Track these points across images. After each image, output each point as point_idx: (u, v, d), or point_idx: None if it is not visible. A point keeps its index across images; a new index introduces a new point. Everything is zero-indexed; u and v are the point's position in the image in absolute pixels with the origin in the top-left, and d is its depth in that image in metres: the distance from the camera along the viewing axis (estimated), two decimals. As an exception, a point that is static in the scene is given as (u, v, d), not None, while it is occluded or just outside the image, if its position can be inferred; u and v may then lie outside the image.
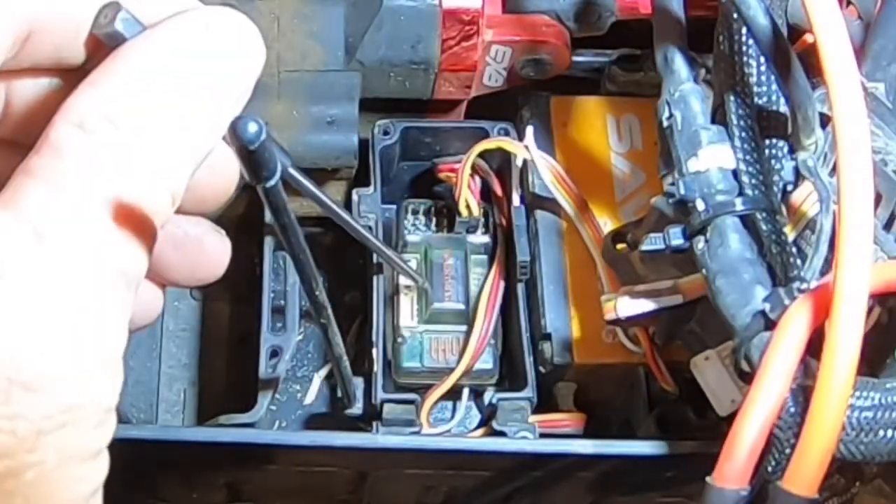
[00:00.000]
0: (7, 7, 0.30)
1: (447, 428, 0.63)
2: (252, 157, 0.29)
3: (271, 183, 0.32)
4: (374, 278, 0.64)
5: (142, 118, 0.29)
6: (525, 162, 0.64)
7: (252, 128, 0.28)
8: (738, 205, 0.46)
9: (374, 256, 0.64)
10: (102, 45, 0.31)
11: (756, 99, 0.48)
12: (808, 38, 0.50)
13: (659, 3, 0.52)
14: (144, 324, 0.38)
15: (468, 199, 0.66)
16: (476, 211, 0.66)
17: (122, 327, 0.29)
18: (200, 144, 0.31)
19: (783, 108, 0.48)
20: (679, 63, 0.51)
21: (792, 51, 0.48)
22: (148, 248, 0.30)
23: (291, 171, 0.42)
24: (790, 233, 0.47)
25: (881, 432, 0.40)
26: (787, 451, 0.39)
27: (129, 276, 0.30)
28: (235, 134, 0.28)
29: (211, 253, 0.38)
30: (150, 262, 0.31)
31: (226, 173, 0.37)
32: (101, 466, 0.30)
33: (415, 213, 0.67)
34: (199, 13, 0.31)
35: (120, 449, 0.54)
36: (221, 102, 0.31)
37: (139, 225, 0.29)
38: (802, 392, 0.40)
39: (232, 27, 0.32)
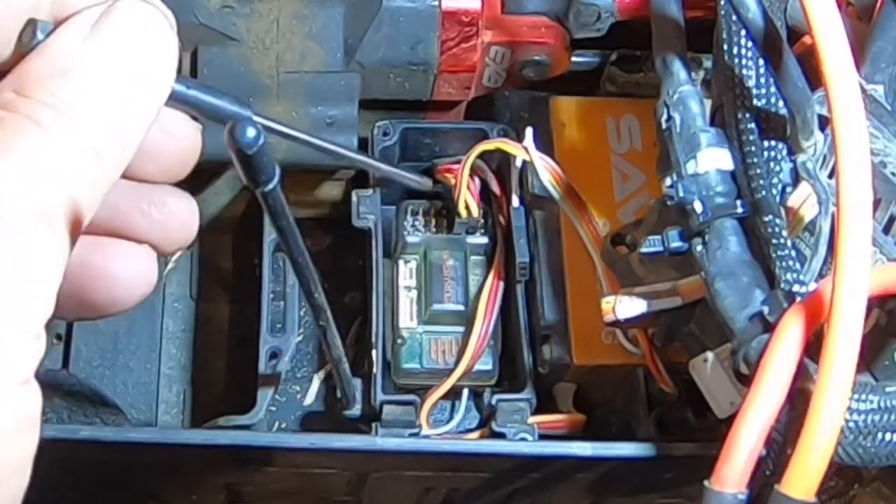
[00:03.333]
0: None
1: (446, 429, 0.63)
2: (250, 162, 0.30)
3: (269, 187, 0.32)
4: (374, 279, 0.64)
5: (52, 89, 0.30)
6: (524, 163, 0.64)
7: (250, 133, 0.28)
8: (738, 207, 0.46)
9: (374, 257, 0.64)
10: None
11: (755, 101, 0.48)
12: (807, 39, 0.50)
13: (657, 5, 0.52)
14: (142, 292, 0.38)
15: (468, 199, 0.66)
16: (475, 212, 0.66)
17: (47, 301, 0.29)
18: (123, 131, 0.31)
19: (782, 111, 0.48)
20: (678, 65, 0.50)
21: (790, 53, 0.48)
22: (68, 203, 0.30)
23: (257, 119, 0.41)
24: (789, 235, 0.47)
25: (880, 435, 0.40)
26: (786, 454, 0.39)
27: (48, 221, 0.29)
28: (233, 138, 0.28)
29: (177, 214, 0.38)
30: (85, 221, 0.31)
31: (186, 138, 0.37)
32: (27, 397, 0.29)
33: (414, 213, 0.67)
34: (112, 7, 0.32)
35: (119, 451, 0.54)
36: (136, 91, 0.32)
37: (51, 186, 0.29)
38: (801, 395, 0.40)
39: (141, 16, 0.32)
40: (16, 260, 0.28)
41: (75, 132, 0.30)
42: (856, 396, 0.39)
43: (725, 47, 0.49)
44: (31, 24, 0.32)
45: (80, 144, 0.30)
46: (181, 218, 0.39)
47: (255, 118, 0.39)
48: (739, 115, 0.48)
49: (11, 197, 0.28)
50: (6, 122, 0.29)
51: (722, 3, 0.50)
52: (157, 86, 0.33)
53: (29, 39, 0.32)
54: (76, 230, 0.30)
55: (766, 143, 0.48)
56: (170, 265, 0.73)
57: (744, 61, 0.48)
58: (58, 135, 0.30)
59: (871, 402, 0.40)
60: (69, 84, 0.30)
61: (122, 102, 0.31)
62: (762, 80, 0.48)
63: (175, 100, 0.34)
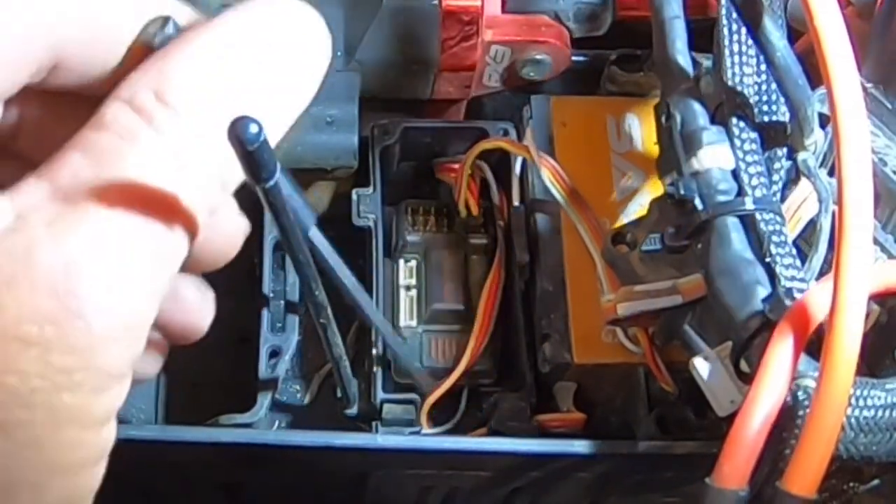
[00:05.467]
0: (36, 36, 0.30)
1: (447, 428, 0.63)
2: (251, 158, 0.29)
3: (270, 184, 0.32)
4: (374, 278, 0.64)
5: (193, 101, 0.29)
6: (525, 162, 0.64)
7: (253, 128, 0.28)
8: (748, 204, 0.46)
9: (374, 256, 0.64)
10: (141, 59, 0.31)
11: (755, 99, 0.48)
12: (809, 38, 0.50)
13: (658, 3, 0.52)
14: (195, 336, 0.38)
15: (468, 199, 0.66)
16: (476, 211, 0.66)
17: (148, 301, 0.29)
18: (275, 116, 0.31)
19: (783, 109, 0.48)
20: (679, 64, 0.51)
21: (791, 51, 0.48)
22: (186, 232, 0.29)
23: (314, 233, 0.41)
24: (790, 233, 0.47)
25: (881, 432, 0.40)
26: (787, 451, 0.39)
27: (161, 257, 0.29)
28: (235, 134, 0.28)
29: (191, 306, 0.38)
30: (192, 248, 0.30)
31: (229, 232, 0.36)
32: (102, 436, 0.29)
33: (415, 213, 0.67)
34: (257, 3, 0.31)
35: (119, 449, 0.54)
36: (282, 95, 0.31)
37: (177, 207, 0.29)
38: (802, 392, 0.40)
39: (297, 17, 0.31)
40: (114, 299, 0.27)
41: (201, 153, 0.29)
42: (857, 393, 0.39)
43: (725, 46, 0.49)
44: (162, 18, 0.30)
45: (209, 172, 0.29)
46: (193, 312, 0.38)
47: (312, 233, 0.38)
48: (739, 113, 0.48)
49: (118, 236, 0.28)
50: (140, 136, 0.28)
51: (722, 2, 0.50)
52: (300, 101, 0.31)
53: (155, 33, 0.30)
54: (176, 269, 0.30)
55: (766, 141, 0.48)
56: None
57: (744, 59, 0.48)
58: (183, 158, 0.29)
59: (872, 399, 0.40)
60: (212, 97, 0.29)
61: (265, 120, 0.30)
62: (762, 78, 0.48)
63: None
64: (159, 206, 0.28)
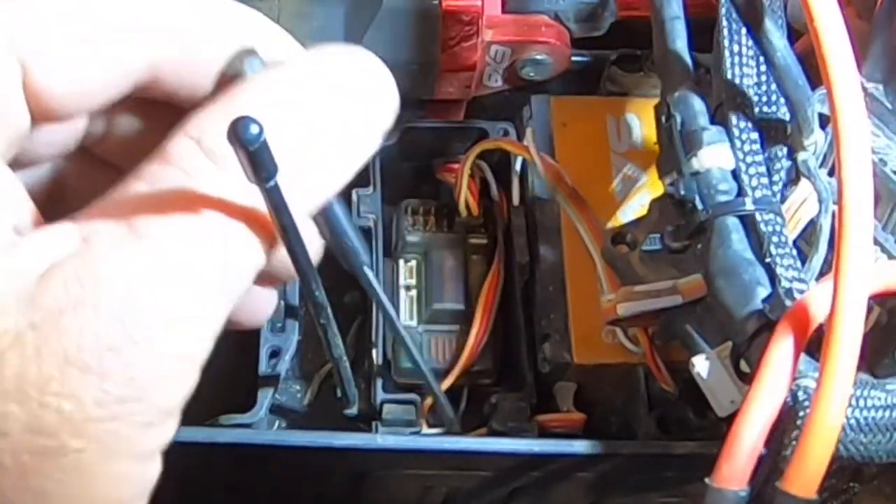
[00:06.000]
0: (139, 52, 0.30)
1: (447, 428, 0.63)
2: (252, 158, 0.29)
3: (271, 183, 0.32)
4: (374, 278, 0.64)
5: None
6: (525, 162, 0.65)
7: (254, 128, 0.28)
8: (749, 204, 0.46)
9: (374, 257, 0.64)
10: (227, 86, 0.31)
11: (755, 99, 0.48)
12: (809, 38, 0.50)
13: (658, 3, 0.52)
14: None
15: (468, 199, 0.66)
16: (476, 211, 0.66)
17: (205, 334, 0.28)
18: (319, 186, 0.30)
19: (782, 109, 0.48)
20: (679, 63, 0.51)
21: (791, 51, 0.48)
22: (248, 266, 0.29)
23: (366, 270, 0.40)
24: (790, 233, 0.47)
25: (881, 432, 0.40)
26: (787, 451, 0.39)
27: (225, 288, 0.29)
28: (236, 134, 0.28)
29: (258, 298, 0.38)
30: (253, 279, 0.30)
31: (261, 305, 0.37)
32: (148, 471, 0.29)
33: (415, 213, 0.67)
34: (334, 51, 0.31)
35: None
36: (346, 144, 0.31)
37: (240, 243, 0.29)
38: (802, 392, 0.40)
39: (367, 68, 0.32)
40: (172, 335, 0.27)
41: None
42: (857, 394, 0.39)
43: (725, 46, 0.49)
44: (250, 51, 0.30)
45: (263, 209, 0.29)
46: (262, 301, 0.38)
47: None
48: (739, 113, 0.48)
49: (182, 267, 0.27)
50: (205, 173, 0.28)
51: (722, 2, 0.50)
52: (364, 154, 0.31)
53: (242, 66, 0.30)
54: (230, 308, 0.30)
55: (766, 142, 0.48)
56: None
57: (744, 59, 0.48)
58: (242, 198, 0.29)
59: (873, 399, 0.40)
60: (281, 140, 0.29)
61: (325, 167, 0.30)
62: (762, 78, 0.48)
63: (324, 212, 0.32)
64: (219, 241, 0.28)
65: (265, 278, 0.34)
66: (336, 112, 0.30)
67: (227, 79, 0.31)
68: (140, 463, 0.28)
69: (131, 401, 0.27)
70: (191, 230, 0.28)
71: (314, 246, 0.35)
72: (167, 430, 0.29)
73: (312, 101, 0.30)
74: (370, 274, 0.37)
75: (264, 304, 0.38)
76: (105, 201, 0.28)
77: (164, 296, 0.27)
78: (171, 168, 0.28)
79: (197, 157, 0.28)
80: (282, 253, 0.32)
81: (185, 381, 0.28)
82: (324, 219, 0.34)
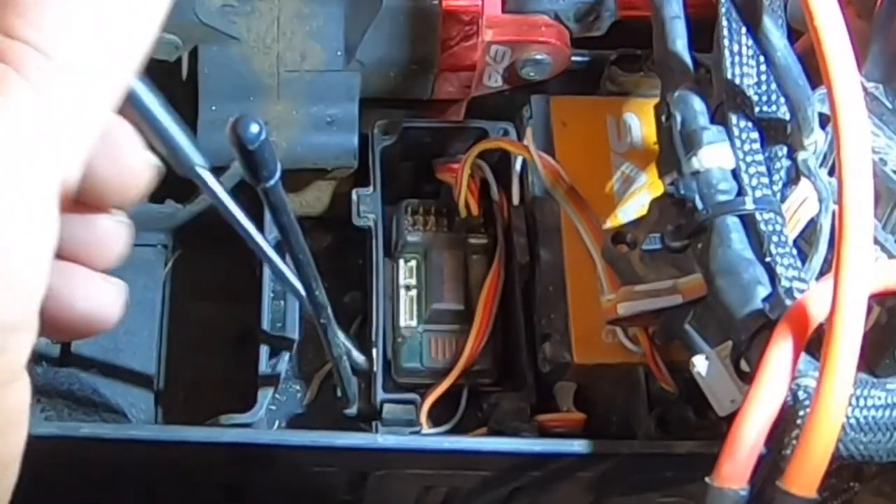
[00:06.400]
0: None
1: (447, 428, 0.63)
2: (252, 157, 0.30)
3: (271, 183, 0.32)
4: (374, 278, 0.64)
5: (43, 28, 0.26)
6: (525, 162, 0.65)
7: (254, 128, 0.28)
8: (749, 204, 0.46)
9: (375, 256, 0.64)
10: None
11: (755, 98, 0.48)
12: (809, 38, 0.50)
13: (658, 3, 0.52)
14: (107, 263, 0.34)
15: (468, 199, 0.66)
16: (476, 211, 0.66)
17: (24, 249, 0.26)
18: (122, 65, 0.28)
19: (782, 108, 0.48)
20: (679, 63, 0.51)
21: (791, 50, 0.48)
22: (58, 165, 0.27)
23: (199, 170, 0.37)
24: (790, 233, 0.47)
25: (881, 432, 0.40)
26: (787, 451, 0.39)
27: (37, 195, 0.26)
28: (236, 133, 0.28)
29: (107, 234, 0.34)
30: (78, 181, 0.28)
31: (131, 168, 0.32)
32: (12, 396, 0.27)
33: (415, 213, 0.67)
34: None
35: (120, 448, 0.54)
36: (136, 15, 0.28)
37: (47, 143, 0.26)
38: (802, 392, 0.40)
39: None
40: (5, 245, 0.25)
41: (68, 84, 0.26)
42: (857, 393, 0.39)
43: (726, 46, 0.49)
44: None
45: (73, 102, 0.27)
46: (110, 237, 0.34)
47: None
48: (740, 113, 0.48)
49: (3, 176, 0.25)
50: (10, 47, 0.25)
51: (722, 2, 0.50)
52: (152, 21, 0.28)
53: None
54: (64, 206, 0.27)
55: (766, 141, 0.48)
56: (169, 264, 0.73)
57: (744, 59, 0.48)
58: (50, 94, 0.26)
59: (873, 398, 0.40)
60: (62, 20, 0.26)
61: (116, 43, 0.27)
62: (762, 78, 0.48)
63: (133, 105, 0.30)
64: (28, 142, 0.26)
65: (95, 201, 0.32)
66: None
67: None
68: (7, 387, 0.26)
69: None
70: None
71: (138, 160, 0.32)
72: (17, 348, 0.26)
73: None
74: (206, 175, 0.33)
75: (111, 235, 0.34)
76: None
77: None
78: None
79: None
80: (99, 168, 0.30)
81: (18, 293, 0.26)
82: (141, 119, 0.31)
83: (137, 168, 0.32)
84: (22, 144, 0.26)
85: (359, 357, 0.60)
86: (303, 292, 0.47)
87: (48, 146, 0.27)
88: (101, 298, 0.34)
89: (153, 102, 0.30)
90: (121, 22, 0.28)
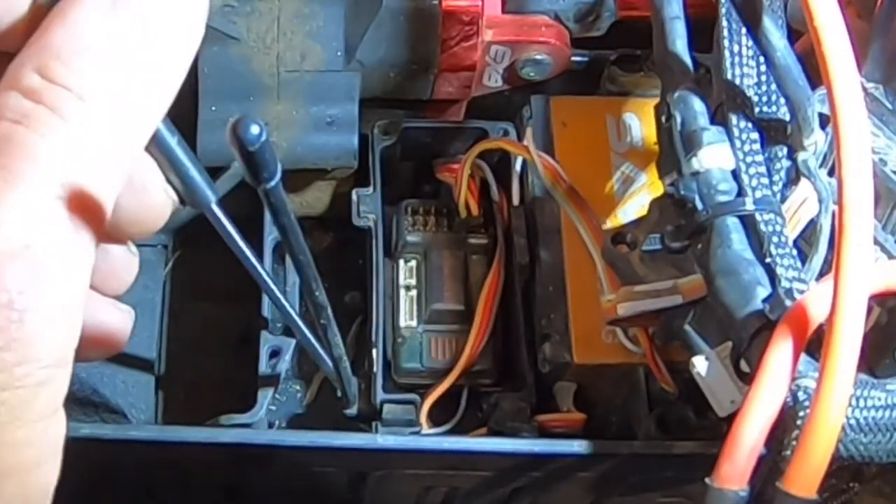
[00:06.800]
0: None
1: (447, 428, 0.63)
2: (252, 159, 0.29)
3: (271, 184, 0.32)
4: (374, 278, 0.64)
5: (80, 72, 0.28)
6: (525, 162, 0.65)
7: (254, 129, 0.28)
8: (749, 204, 0.46)
9: (375, 256, 0.64)
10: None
11: (755, 99, 0.48)
12: (809, 38, 0.50)
13: (658, 3, 0.52)
14: (117, 291, 0.37)
15: (468, 199, 0.66)
16: (476, 211, 0.66)
17: (75, 281, 0.28)
18: (150, 100, 0.29)
19: (783, 109, 0.48)
20: (679, 63, 0.51)
21: (791, 51, 0.48)
22: (97, 208, 0.28)
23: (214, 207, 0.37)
24: (790, 233, 0.47)
25: (881, 432, 0.40)
26: (787, 451, 0.39)
27: (77, 238, 0.28)
28: (236, 134, 0.28)
29: (117, 263, 0.36)
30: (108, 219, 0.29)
31: (155, 203, 0.34)
32: (51, 428, 0.28)
33: (415, 213, 0.67)
34: None
35: (120, 449, 0.54)
36: (166, 62, 0.29)
37: (84, 186, 0.28)
38: (803, 392, 0.40)
39: None
40: (43, 286, 0.26)
41: (101, 125, 0.28)
42: (857, 394, 0.39)
43: (726, 46, 0.49)
44: None
45: (105, 140, 0.28)
46: (124, 267, 0.36)
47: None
48: (740, 113, 0.48)
49: (36, 214, 0.27)
50: (33, 117, 0.27)
51: (722, 2, 0.50)
52: (180, 68, 0.30)
53: None
54: (99, 238, 0.29)
55: (766, 142, 0.48)
56: (169, 264, 0.73)
57: (744, 59, 0.48)
58: (83, 132, 0.28)
59: (873, 399, 0.40)
60: (97, 65, 0.28)
61: (146, 88, 0.29)
62: (762, 78, 0.48)
63: (156, 144, 0.31)
64: (69, 184, 0.27)
65: (117, 233, 0.33)
66: (146, 32, 0.29)
67: (42, 10, 0.29)
68: (40, 424, 0.27)
69: (15, 365, 0.26)
70: (36, 189, 0.27)
71: (162, 197, 0.34)
72: (61, 383, 0.28)
73: (124, 16, 0.28)
74: (218, 212, 0.35)
75: (124, 265, 0.37)
76: None
77: (24, 256, 0.26)
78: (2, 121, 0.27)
79: (20, 103, 0.27)
80: (129, 202, 0.31)
81: (66, 330, 0.27)
82: (163, 157, 0.32)
83: (160, 204, 0.34)
84: (59, 181, 0.27)
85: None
86: (304, 329, 0.50)
87: (84, 182, 0.27)
88: (114, 324, 0.36)
89: (172, 139, 0.31)
90: (152, 70, 0.29)
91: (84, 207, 0.28)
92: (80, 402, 0.66)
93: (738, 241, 0.46)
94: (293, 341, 0.64)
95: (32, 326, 0.26)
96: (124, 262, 0.37)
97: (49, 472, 0.29)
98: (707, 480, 0.39)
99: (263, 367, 0.63)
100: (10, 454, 0.27)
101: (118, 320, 0.37)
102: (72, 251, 0.28)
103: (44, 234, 0.27)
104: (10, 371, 0.26)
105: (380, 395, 0.61)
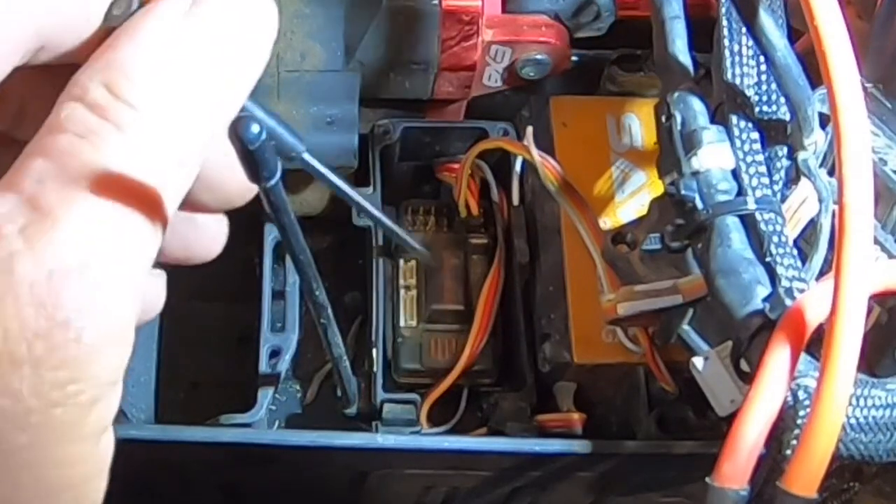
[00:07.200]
0: (18, 24, 0.29)
1: (447, 428, 0.63)
2: (252, 157, 0.30)
3: (272, 183, 0.32)
4: (374, 278, 0.64)
5: (145, 89, 0.28)
6: (525, 162, 0.64)
7: (254, 128, 0.28)
8: (750, 204, 0.46)
9: (375, 256, 0.64)
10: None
11: (755, 98, 0.48)
12: (809, 38, 0.50)
13: (658, 3, 0.52)
14: (152, 314, 0.37)
15: (468, 199, 0.66)
16: (476, 211, 0.66)
17: (132, 298, 0.27)
18: (215, 118, 0.29)
19: (783, 108, 0.48)
20: (679, 63, 0.51)
21: (791, 50, 0.48)
22: (154, 228, 0.28)
23: (306, 156, 0.40)
24: (790, 233, 0.47)
25: (881, 432, 0.40)
26: (787, 451, 0.39)
27: (136, 252, 0.28)
28: (236, 133, 0.28)
29: (205, 231, 0.36)
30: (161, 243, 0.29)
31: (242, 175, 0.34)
32: (101, 446, 0.28)
33: (415, 213, 0.67)
34: None
35: (119, 449, 0.54)
36: (236, 72, 0.30)
37: (143, 205, 0.28)
38: (803, 392, 0.40)
39: None
40: (99, 305, 0.26)
41: (168, 141, 0.28)
42: (857, 393, 0.39)
43: (726, 46, 0.49)
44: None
45: (165, 155, 0.28)
46: (208, 236, 0.37)
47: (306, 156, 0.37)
48: (740, 113, 0.48)
49: (94, 232, 0.26)
50: (98, 133, 0.27)
51: (722, 2, 0.50)
52: (249, 81, 0.30)
53: (122, 11, 0.29)
54: (159, 244, 0.29)
55: (766, 141, 0.48)
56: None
57: (744, 59, 0.48)
58: (148, 148, 0.28)
59: (873, 398, 0.40)
60: (167, 82, 0.28)
61: (212, 101, 0.29)
62: (762, 78, 0.48)
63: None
64: (128, 201, 0.27)
65: (198, 206, 0.34)
66: (217, 34, 0.29)
67: (108, 31, 0.30)
68: (91, 441, 0.27)
69: (70, 382, 0.26)
70: (94, 203, 0.27)
71: (235, 178, 0.34)
72: (113, 401, 0.28)
73: (191, 29, 0.29)
74: (311, 159, 0.35)
75: (212, 232, 0.37)
76: (5, 184, 0.27)
77: (82, 273, 0.26)
78: (62, 135, 0.27)
79: (85, 117, 0.27)
80: (207, 176, 0.31)
81: (120, 348, 0.27)
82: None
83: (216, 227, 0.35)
84: (118, 197, 0.27)
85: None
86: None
87: (144, 195, 0.28)
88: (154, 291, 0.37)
89: (257, 111, 0.32)
90: (223, 80, 0.29)
91: (142, 219, 0.28)
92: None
93: (738, 240, 0.46)
94: (293, 341, 0.64)
95: (88, 345, 0.26)
96: (214, 230, 0.37)
97: (98, 487, 0.29)
98: (707, 480, 0.39)
99: (263, 366, 0.63)
100: (63, 470, 0.27)
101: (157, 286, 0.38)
102: (130, 268, 0.28)
103: (101, 252, 0.27)
104: (64, 389, 0.26)
105: (380, 394, 0.61)
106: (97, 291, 0.26)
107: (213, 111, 0.29)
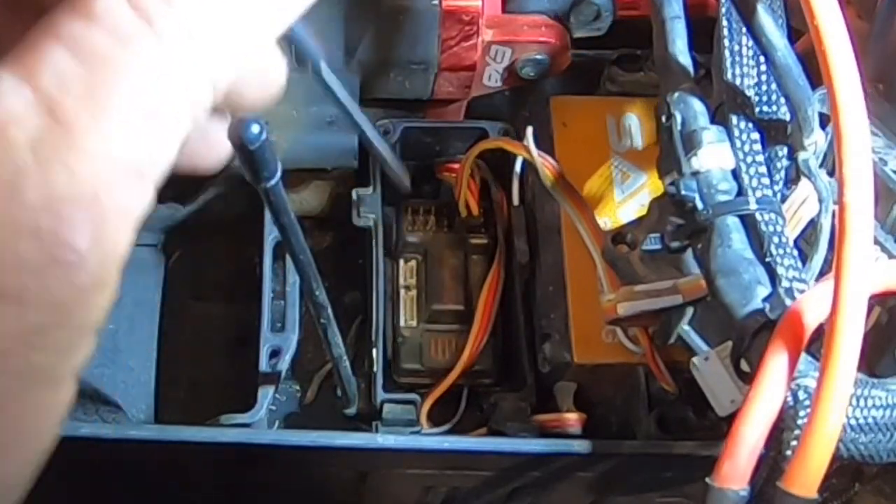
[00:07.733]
0: None
1: (447, 428, 0.63)
2: (253, 157, 0.30)
3: (272, 183, 0.32)
4: (374, 278, 0.64)
5: None
6: (525, 162, 0.64)
7: (254, 128, 0.28)
8: (751, 204, 0.46)
9: (375, 256, 0.64)
10: None
11: (756, 99, 0.48)
12: (809, 38, 0.50)
13: (658, 3, 0.52)
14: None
15: (468, 199, 0.66)
16: (476, 211, 0.66)
17: (127, 232, 0.25)
18: (256, 32, 0.27)
19: (783, 109, 0.48)
20: (679, 63, 0.51)
21: (791, 50, 0.48)
22: (174, 141, 0.25)
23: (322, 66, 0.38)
24: (790, 233, 0.47)
25: (881, 432, 0.40)
26: (788, 451, 0.39)
27: (145, 171, 0.25)
28: (237, 133, 0.28)
29: (211, 141, 0.32)
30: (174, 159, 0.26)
31: (275, 74, 0.32)
32: (63, 394, 0.25)
33: (415, 213, 0.67)
34: None
35: (120, 448, 0.54)
36: None
37: (164, 115, 0.25)
38: (803, 392, 0.40)
39: None
40: (104, 239, 0.24)
41: (202, 60, 0.25)
42: (857, 393, 0.39)
43: (726, 46, 0.49)
44: None
45: (200, 77, 0.25)
46: (214, 146, 0.32)
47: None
48: (740, 113, 0.48)
49: (110, 161, 0.23)
50: (139, 38, 0.24)
51: (722, 2, 0.50)
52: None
53: None
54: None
55: (766, 141, 0.48)
56: (169, 264, 0.73)
57: (745, 59, 0.48)
58: (184, 65, 0.25)
59: (873, 398, 0.40)
60: None
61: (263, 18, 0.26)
62: (762, 78, 0.48)
63: None
64: (152, 125, 0.24)
65: (239, 108, 0.31)
66: None
67: None
68: (58, 389, 0.25)
69: (51, 328, 0.24)
70: (122, 129, 0.24)
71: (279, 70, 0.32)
72: (88, 348, 0.25)
73: None
74: (327, 70, 0.35)
75: (220, 143, 0.33)
76: (17, 68, 0.23)
77: (90, 210, 0.23)
78: (97, 31, 0.24)
79: (128, 18, 0.24)
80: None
81: (109, 293, 0.25)
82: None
83: (279, 73, 0.32)
84: (142, 110, 0.24)
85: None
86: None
87: (166, 124, 0.25)
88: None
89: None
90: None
91: (163, 150, 0.25)
92: (79, 400, 0.66)
93: (738, 240, 0.46)
94: (293, 341, 0.64)
95: (80, 289, 0.24)
96: (220, 139, 0.33)
97: (53, 437, 0.26)
98: (707, 480, 0.39)
99: (263, 366, 0.63)
100: (26, 419, 0.25)
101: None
102: (138, 206, 0.25)
103: (116, 184, 0.24)
104: (45, 335, 0.24)
105: (380, 394, 0.61)
106: (102, 230, 0.24)
107: (257, 21, 0.27)
